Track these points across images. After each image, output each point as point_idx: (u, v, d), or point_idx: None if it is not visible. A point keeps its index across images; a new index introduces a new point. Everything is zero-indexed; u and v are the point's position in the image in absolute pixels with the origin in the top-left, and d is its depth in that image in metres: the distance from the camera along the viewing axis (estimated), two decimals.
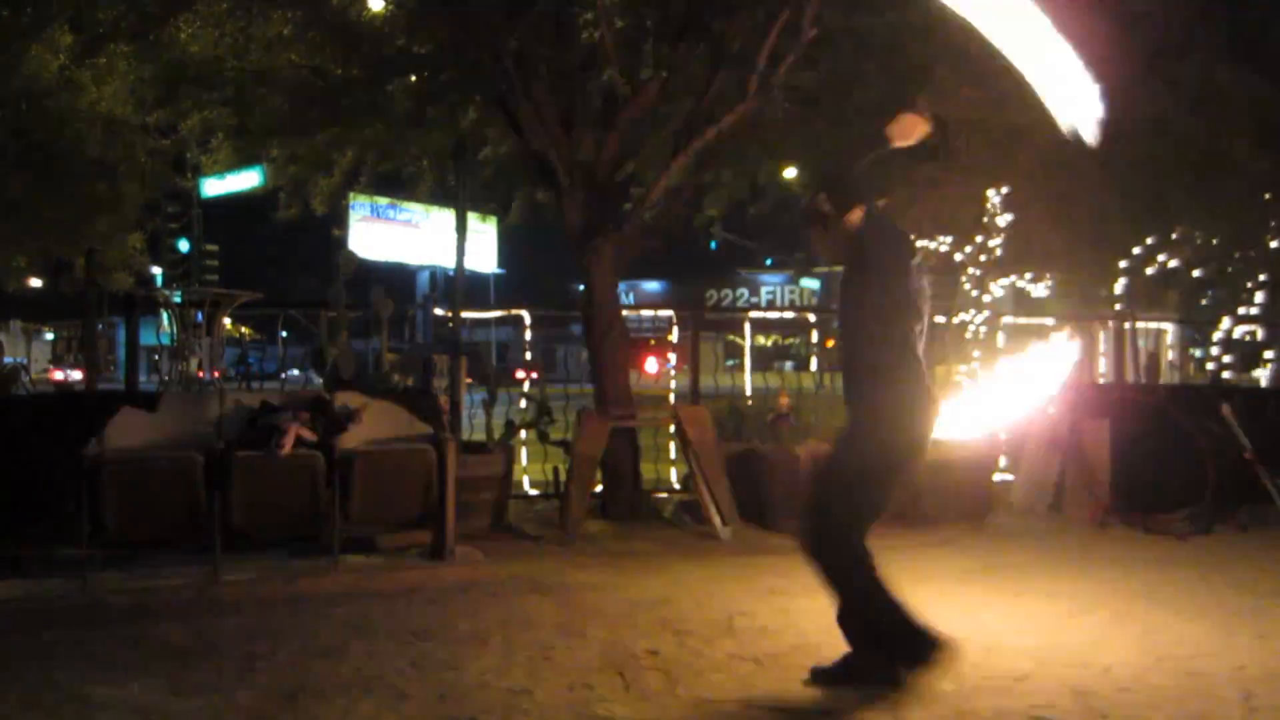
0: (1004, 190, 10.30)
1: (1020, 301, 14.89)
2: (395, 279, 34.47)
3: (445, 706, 3.46)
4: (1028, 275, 13.64)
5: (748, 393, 8.45)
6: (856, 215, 3.60)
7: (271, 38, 7.33)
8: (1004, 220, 9.90)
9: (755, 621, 4.51)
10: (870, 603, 3.54)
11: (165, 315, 7.60)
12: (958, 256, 9.93)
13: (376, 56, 7.28)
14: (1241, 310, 13.20)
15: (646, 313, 9.56)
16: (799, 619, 4.53)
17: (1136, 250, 12.84)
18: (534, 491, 7.67)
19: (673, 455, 7.93)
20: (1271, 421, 7.09)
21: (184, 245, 39.53)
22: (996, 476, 7.69)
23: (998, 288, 13.74)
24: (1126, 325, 9.89)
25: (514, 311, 8.42)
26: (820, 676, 3.59)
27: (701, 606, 4.79)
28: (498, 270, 43.36)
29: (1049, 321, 10.36)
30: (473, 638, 4.26)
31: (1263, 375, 12.69)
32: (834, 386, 8.90)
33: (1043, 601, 4.87)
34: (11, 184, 11.81)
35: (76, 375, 25.58)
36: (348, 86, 7.42)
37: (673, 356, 9.29)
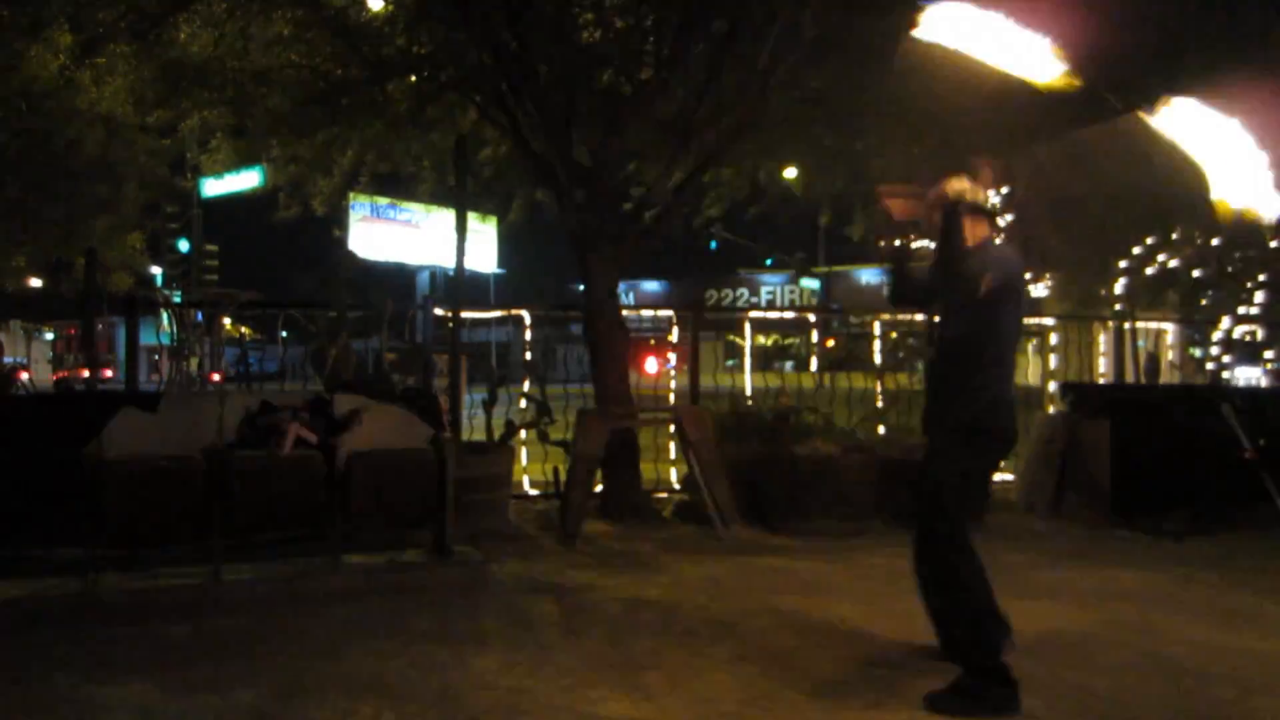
0: (1004, 190, 10.30)
1: None
2: (395, 279, 34.49)
3: (445, 706, 3.46)
4: (1028, 275, 13.64)
5: (748, 393, 8.45)
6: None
7: (271, 38, 7.33)
8: (1004, 220, 9.89)
9: (755, 622, 4.51)
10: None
11: (165, 315, 7.59)
12: None
13: (376, 56, 7.28)
14: (1241, 310, 13.21)
15: (646, 313, 9.54)
16: (799, 619, 4.54)
17: (1136, 250, 12.85)
18: (534, 491, 7.67)
19: (673, 455, 7.94)
20: (1271, 422, 7.08)
21: (184, 245, 39.52)
22: (996, 476, 7.68)
23: None
24: (1126, 325, 9.88)
25: (514, 311, 8.42)
26: (935, 701, 3.43)
27: (701, 607, 4.79)
28: (498, 270, 43.34)
29: (1049, 321, 10.37)
30: (473, 638, 4.27)
31: (1256, 373, 12.70)
32: (834, 387, 8.92)
33: (1043, 601, 4.87)
34: (11, 184, 11.83)
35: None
36: (348, 86, 7.42)
37: (673, 356, 9.28)
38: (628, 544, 6.30)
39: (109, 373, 23.08)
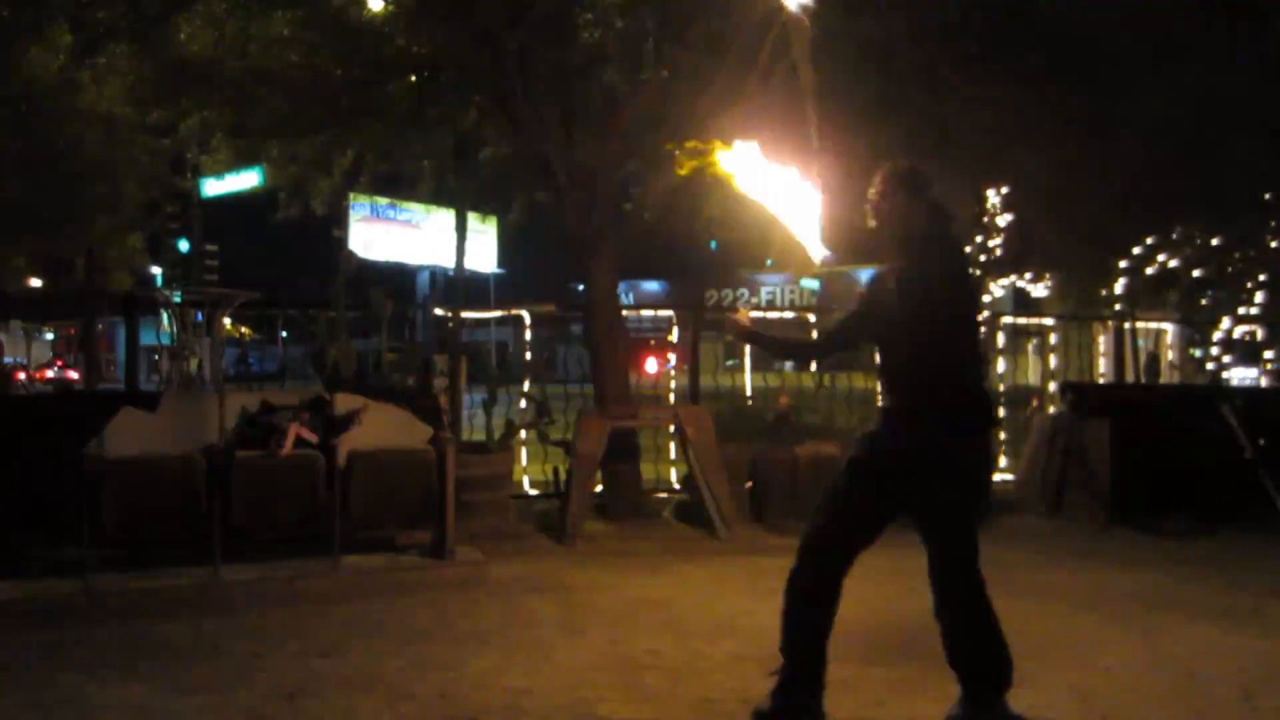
0: (1004, 190, 10.29)
1: (1020, 301, 14.89)
2: (395, 279, 34.44)
3: (445, 706, 3.46)
4: (1028, 275, 13.65)
5: (748, 393, 8.45)
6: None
7: (271, 38, 7.34)
8: (1004, 220, 9.90)
9: (755, 621, 4.50)
10: None
11: (165, 315, 7.59)
12: None
13: (376, 56, 7.27)
14: (1241, 310, 13.21)
15: (646, 313, 9.54)
16: None
17: (1136, 250, 12.85)
18: (534, 491, 7.67)
19: (673, 455, 7.93)
20: (1271, 422, 7.08)
21: (184, 245, 39.49)
22: (996, 476, 7.69)
23: (998, 288, 13.68)
24: (1126, 325, 9.88)
25: (514, 311, 8.42)
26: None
27: (701, 606, 4.79)
28: (498, 270, 43.31)
29: (1049, 321, 10.37)
30: (473, 638, 4.27)
31: (1253, 373, 12.70)
32: (834, 387, 8.92)
33: (1043, 601, 4.87)
34: (11, 184, 11.84)
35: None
36: (348, 86, 7.42)
37: (673, 356, 9.29)
38: (628, 544, 6.30)
39: (73, 374, 22.88)
